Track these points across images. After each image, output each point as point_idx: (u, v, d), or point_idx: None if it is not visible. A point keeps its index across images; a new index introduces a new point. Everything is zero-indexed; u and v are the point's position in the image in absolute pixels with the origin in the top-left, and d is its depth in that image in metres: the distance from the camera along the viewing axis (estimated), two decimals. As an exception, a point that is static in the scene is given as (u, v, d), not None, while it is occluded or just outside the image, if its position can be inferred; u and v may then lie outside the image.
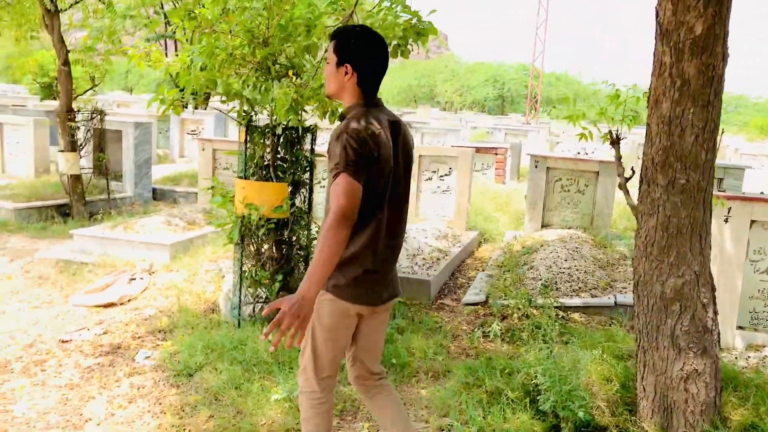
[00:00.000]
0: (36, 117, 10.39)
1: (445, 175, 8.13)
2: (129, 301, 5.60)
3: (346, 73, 2.59)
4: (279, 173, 4.83)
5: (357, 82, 2.61)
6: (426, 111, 38.39)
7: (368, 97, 2.64)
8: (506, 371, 4.10)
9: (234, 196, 5.11)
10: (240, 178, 4.93)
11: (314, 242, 5.02)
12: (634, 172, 4.20)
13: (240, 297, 4.93)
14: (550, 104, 58.89)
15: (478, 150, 11.77)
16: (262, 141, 4.81)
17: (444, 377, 4.26)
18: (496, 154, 11.64)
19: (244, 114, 4.77)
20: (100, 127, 8.45)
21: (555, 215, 7.80)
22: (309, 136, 4.92)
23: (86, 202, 8.47)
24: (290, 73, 4.77)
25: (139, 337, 4.92)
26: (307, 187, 5.00)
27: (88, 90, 8.48)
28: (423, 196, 8.20)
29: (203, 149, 8.53)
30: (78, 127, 8.19)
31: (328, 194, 2.47)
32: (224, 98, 4.80)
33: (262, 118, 5.11)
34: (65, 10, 7.91)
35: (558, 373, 3.68)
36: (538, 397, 3.69)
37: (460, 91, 69.39)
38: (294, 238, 4.99)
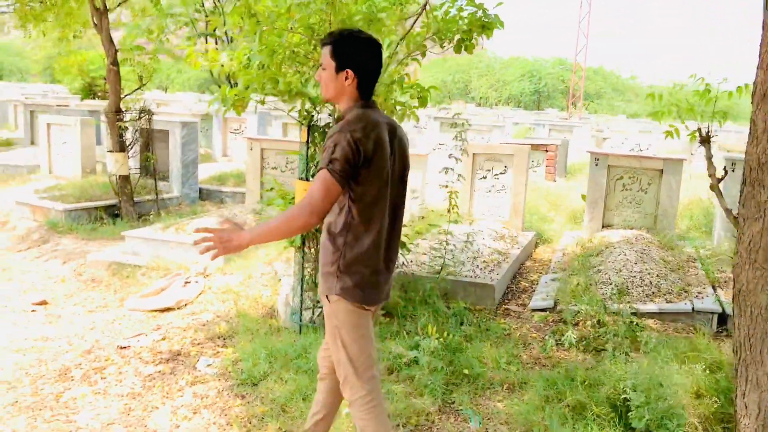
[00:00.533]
0: (82, 117, 10.36)
1: (500, 173, 7.88)
2: (185, 305, 5.47)
3: (347, 77, 2.62)
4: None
5: (357, 86, 2.65)
6: (461, 107, 38.05)
7: (366, 100, 2.69)
8: (587, 383, 3.85)
9: (294, 198, 4.96)
10: (301, 179, 4.77)
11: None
12: (726, 172, 3.93)
13: (301, 302, 4.76)
14: (588, 99, 57.93)
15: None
16: (323, 140, 4.61)
17: (520, 389, 4.03)
18: (547, 151, 11.33)
19: (306, 113, 4.59)
20: (147, 126, 8.36)
21: (616, 215, 7.50)
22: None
23: (135, 203, 8.40)
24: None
25: (198, 344, 4.78)
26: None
27: (136, 89, 8.40)
28: (477, 196, 7.96)
29: (251, 149, 8.40)
30: (127, 128, 8.12)
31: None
32: (284, 98, 4.63)
33: (322, 117, 4.94)
34: (113, 9, 7.83)
35: (651, 389, 3.43)
36: (628, 414, 3.45)
37: (496, 86, 68.66)
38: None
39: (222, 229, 2.51)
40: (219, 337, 4.87)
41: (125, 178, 8.29)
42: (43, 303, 5.84)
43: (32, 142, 15.58)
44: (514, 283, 6.13)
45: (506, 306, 5.52)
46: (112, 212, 8.38)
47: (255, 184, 8.50)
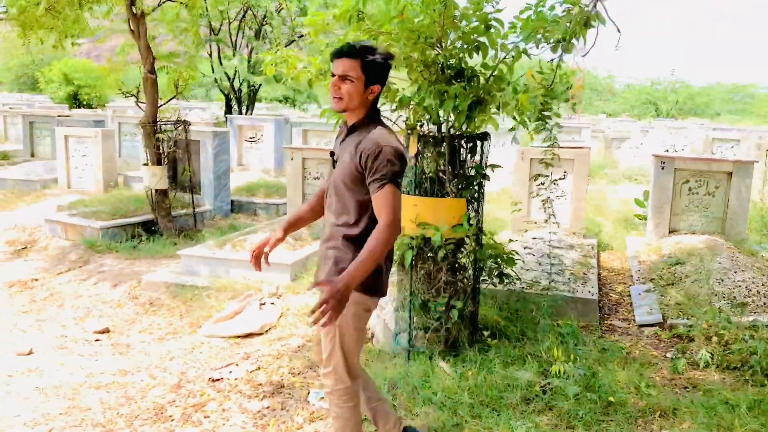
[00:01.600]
0: (103, 129, 9.90)
1: (560, 179, 7.59)
2: (269, 330, 5.09)
3: (372, 92, 2.72)
4: (452, 187, 4.31)
5: (374, 100, 2.78)
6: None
7: (378, 113, 2.83)
8: (753, 409, 3.56)
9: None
10: (405, 193, 4.43)
11: (481, 263, 4.51)
12: None
13: (410, 326, 4.42)
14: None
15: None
16: (433, 152, 4.29)
17: (673, 416, 3.72)
18: (579, 154, 11.06)
19: (417, 123, 4.25)
20: (184, 137, 7.95)
21: (682, 220, 7.26)
22: (482, 145, 4.39)
23: (172, 218, 7.97)
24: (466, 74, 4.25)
25: (298, 373, 4.41)
26: (477, 201, 4.47)
27: (170, 99, 7.98)
28: (535, 202, 7.66)
29: (292, 158, 8.01)
30: (164, 139, 7.70)
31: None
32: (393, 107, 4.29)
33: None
34: (150, 13, 7.41)
35: None
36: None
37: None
38: (464, 260, 4.46)
39: (326, 298, 2.42)
40: (320, 366, 4.50)
41: (163, 193, 7.86)
42: (106, 331, 5.43)
43: (32, 155, 15.05)
44: (602, 294, 5.84)
45: (609, 321, 5.22)
46: (150, 228, 7.95)
47: (296, 195, 8.11)
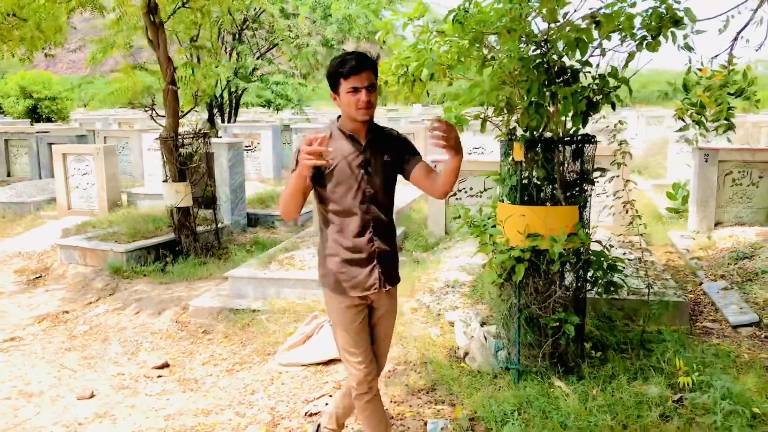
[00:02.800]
0: (105, 145, 9.37)
1: (599, 176, 7.40)
2: (351, 355, 4.76)
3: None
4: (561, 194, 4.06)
5: None
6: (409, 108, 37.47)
7: None
8: None
9: (488, 225, 4.38)
10: (505, 202, 4.17)
11: (591, 276, 4.28)
12: None
13: (518, 345, 4.15)
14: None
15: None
16: (541, 157, 4.03)
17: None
18: (590, 148, 10.96)
19: (525, 127, 3.98)
20: (203, 150, 7.53)
21: (726, 212, 7.17)
22: (590, 148, 4.15)
23: (196, 237, 7.55)
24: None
25: (402, 402, 4.11)
26: (583, 208, 4.23)
27: (189, 110, 7.55)
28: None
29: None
30: (189, 154, 7.27)
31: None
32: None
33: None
34: (166, 20, 6.98)
35: None
36: None
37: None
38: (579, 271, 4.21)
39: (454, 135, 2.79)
40: (421, 391, 4.20)
41: (186, 211, 7.44)
42: (165, 366, 5.03)
43: (9, 174, 14.32)
44: (676, 295, 5.67)
45: (700, 324, 5.04)
46: (173, 249, 7.51)
47: (440, 215, 7.70)
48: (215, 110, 16.54)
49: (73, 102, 31.91)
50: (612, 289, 4.36)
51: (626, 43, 4.11)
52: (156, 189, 9.81)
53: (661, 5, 4.14)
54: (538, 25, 3.99)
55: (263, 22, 16.11)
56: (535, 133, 4.06)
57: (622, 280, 4.44)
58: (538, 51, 3.91)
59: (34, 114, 29.69)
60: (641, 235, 4.98)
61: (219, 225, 8.10)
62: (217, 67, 7.25)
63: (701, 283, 5.82)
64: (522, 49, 3.87)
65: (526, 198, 4.06)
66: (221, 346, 5.24)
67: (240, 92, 16.52)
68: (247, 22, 15.92)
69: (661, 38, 3.84)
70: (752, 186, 7.07)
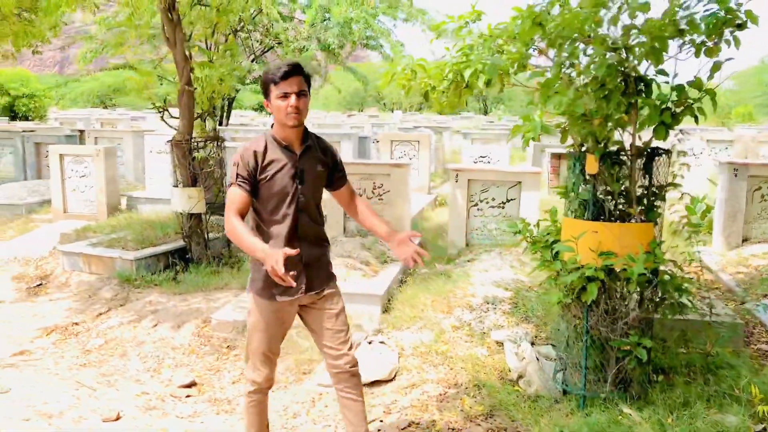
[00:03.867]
0: (106, 146, 8.95)
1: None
2: (396, 375, 4.49)
3: None
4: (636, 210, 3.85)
5: None
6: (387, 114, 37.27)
7: None
8: None
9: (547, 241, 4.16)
10: (573, 218, 3.95)
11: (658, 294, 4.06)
12: None
13: (585, 370, 3.92)
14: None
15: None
16: (617, 171, 3.81)
17: None
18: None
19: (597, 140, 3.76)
20: (218, 155, 7.20)
21: (754, 228, 7.03)
22: (659, 161, 3.94)
23: (207, 244, 7.22)
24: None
25: (461, 429, 3.84)
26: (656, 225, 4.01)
27: (204, 112, 7.22)
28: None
29: (456, 180, 7.26)
30: (205, 158, 6.94)
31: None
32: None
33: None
34: (186, 12, 6.64)
35: None
36: None
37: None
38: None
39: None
40: (478, 417, 3.95)
41: (198, 217, 7.10)
42: (192, 384, 4.71)
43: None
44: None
45: (755, 346, 4.86)
46: (183, 257, 7.17)
47: (460, 224, 7.38)
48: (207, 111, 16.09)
49: (51, 100, 31.20)
50: (679, 310, 4.16)
51: (685, 49, 3.91)
52: (158, 193, 9.45)
53: (721, 9, 3.95)
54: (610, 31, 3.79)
55: (258, 24, 15.78)
56: (606, 145, 3.85)
57: (690, 300, 4.23)
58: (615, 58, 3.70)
59: (10, 112, 28.92)
60: (696, 252, 4.77)
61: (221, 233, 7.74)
62: (235, 69, 6.88)
63: (743, 303, 5.66)
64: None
65: (599, 214, 3.84)
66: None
67: (233, 95, 16.13)
68: (242, 24, 15.57)
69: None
70: (781, 202, 6.96)
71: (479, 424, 3.87)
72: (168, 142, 7.03)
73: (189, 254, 7.18)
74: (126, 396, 4.55)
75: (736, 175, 6.91)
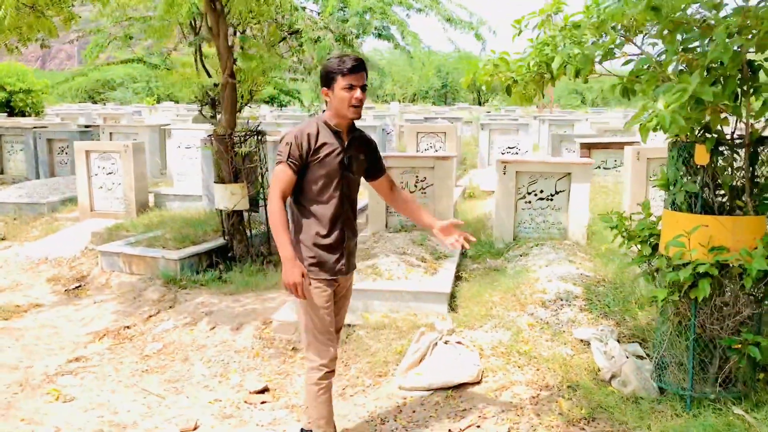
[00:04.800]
0: (134, 142, 8.70)
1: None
2: (482, 377, 4.31)
3: None
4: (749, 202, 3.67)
5: None
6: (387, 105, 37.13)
7: None
8: None
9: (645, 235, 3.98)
10: (675, 210, 3.77)
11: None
12: None
13: (692, 370, 3.75)
14: (494, 92, 58.38)
15: (608, 146, 10.83)
16: (730, 161, 3.64)
17: None
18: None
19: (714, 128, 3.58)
20: (257, 150, 6.98)
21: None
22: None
23: (249, 242, 7.01)
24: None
25: (565, 434, 3.67)
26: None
27: (245, 104, 6.98)
28: (652, 204, 7.12)
29: (504, 173, 7.05)
30: (248, 153, 6.72)
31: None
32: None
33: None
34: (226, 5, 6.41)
35: None
36: None
37: (400, 83, 68.04)
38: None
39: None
40: (581, 421, 3.77)
41: (239, 214, 6.89)
42: (265, 390, 4.52)
43: (2, 171, 13.50)
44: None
45: None
46: (224, 255, 6.96)
47: (508, 217, 7.19)
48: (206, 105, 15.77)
49: (49, 96, 30.78)
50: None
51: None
52: (187, 189, 9.24)
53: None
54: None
55: (268, 15, 15.47)
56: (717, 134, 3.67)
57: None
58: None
59: (7, 107, 28.45)
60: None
61: (256, 230, 7.52)
62: (280, 61, 6.66)
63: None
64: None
65: (710, 207, 3.67)
66: (321, 367, 4.73)
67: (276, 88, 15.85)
68: (253, 13, 15.28)
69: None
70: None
71: (583, 428, 3.70)
72: (209, 136, 6.81)
73: (231, 253, 6.98)
74: (198, 404, 4.35)
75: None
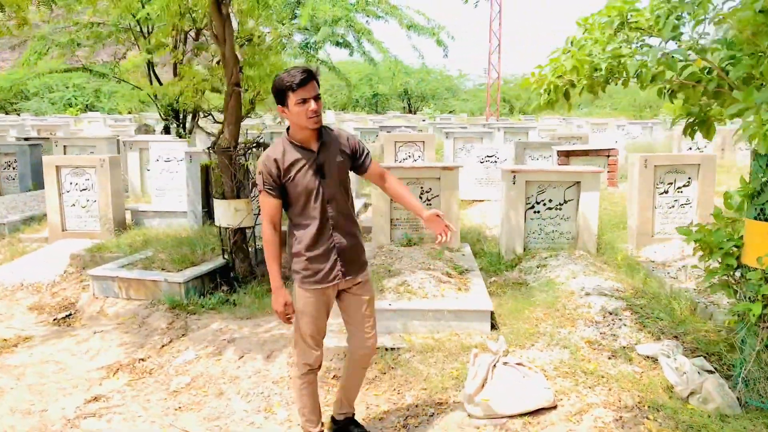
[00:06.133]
0: (111, 155, 8.08)
1: (684, 186, 7.12)
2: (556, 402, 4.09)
3: None
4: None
5: None
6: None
7: None
8: None
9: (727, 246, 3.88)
10: (762, 221, 3.68)
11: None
12: None
13: (786, 383, 3.65)
14: (425, 99, 58.88)
15: (586, 153, 10.89)
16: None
17: None
18: (609, 156, 10.77)
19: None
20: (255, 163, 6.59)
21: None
22: None
23: (251, 262, 6.60)
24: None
25: (667, 459, 3.50)
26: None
27: (246, 113, 6.55)
28: (659, 212, 7.14)
29: (514, 182, 6.84)
30: (245, 166, 6.32)
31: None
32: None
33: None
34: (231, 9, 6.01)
35: None
36: None
37: (330, 91, 67.81)
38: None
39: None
40: (677, 445, 3.61)
41: (242, 231, 6.48)
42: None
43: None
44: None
45: None
46: (226, 275, 6.53)
47: (517, 230, 6.99)
48: (170, 117, 15.16)
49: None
50: None
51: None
52: (168, 206, 8.71)
53: None
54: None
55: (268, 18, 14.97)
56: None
57: None
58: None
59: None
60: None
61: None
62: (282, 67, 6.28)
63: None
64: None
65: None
66: (370, 395, 4.43)
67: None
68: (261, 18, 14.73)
69: None
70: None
71: (683, 453, 3.54)
72: (208, 148, 6.38)
73: (233, 273, 6.55)
74: (249, 444, 3.97)
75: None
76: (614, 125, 23.56)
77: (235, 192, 6.33)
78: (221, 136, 6.26)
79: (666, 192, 7.13)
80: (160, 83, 14.40)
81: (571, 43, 4.55)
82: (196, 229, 7.73)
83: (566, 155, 10.68)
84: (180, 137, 13.81)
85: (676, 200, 7.13)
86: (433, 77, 62.13)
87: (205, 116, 6.47)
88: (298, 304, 3.33)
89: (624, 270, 6.28)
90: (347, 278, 3.35)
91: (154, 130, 21.19)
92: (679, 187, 7.13)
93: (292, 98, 3.05)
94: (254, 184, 6.50)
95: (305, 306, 3.32)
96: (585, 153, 10.72)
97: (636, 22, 4.04)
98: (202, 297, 6.11)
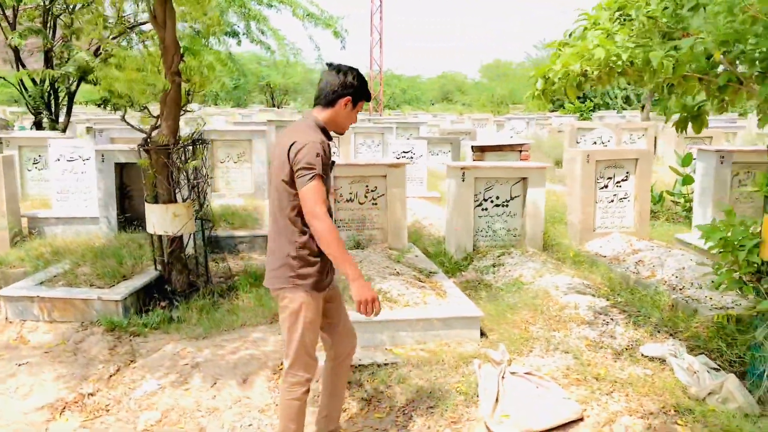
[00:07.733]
0: (2, 155, 6.97)
1: (623, 180, 7.24)
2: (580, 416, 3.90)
3: None
4: None
5: None
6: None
7: None
8: None
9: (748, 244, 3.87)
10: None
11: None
12: None
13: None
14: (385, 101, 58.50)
15: (500, 148, 10.95)
16: None
17: None
18: (521, 151, 10.88)
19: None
20: (209, 161, 5.92)
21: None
22: None
23: (189, 272, 5.95)
24: None
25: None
26: None
27: (183, 106, 5.82)
28: (600, 207, 7.22)
29: (463, 179, 6.45)
30: (197, 166, 5.65)
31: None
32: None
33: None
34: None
35: None
36: None
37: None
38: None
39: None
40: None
41: (180, 240, 5.80)
42: (328, 456, 3.72)
43: None
44: None
45: None
46: (160, 289, 5.83)
47: (467, 228, 6.62)
48: (42, 109, 13.69)
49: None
50: None
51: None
52: (72, 211, 7.71)
53: None
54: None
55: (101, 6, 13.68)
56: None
57: None
58: None
59: None
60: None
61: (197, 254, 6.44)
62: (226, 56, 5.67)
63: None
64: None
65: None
66: (372, 418, 4.02)
67: (74, 89, 13.86)
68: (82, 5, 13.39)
69: None
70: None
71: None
72: (139, 146, 5.63)
73: (169, 286, 5.85)
74: (257, 488, 3.45)
75: (722, 162, 7.19)
76: (492, 121, 24.29)
77: (173, 195, 5.64)
78: (157, 131, 5.55)
79: (606, 187, 7.23)
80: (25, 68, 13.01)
81: (570, 35, 4.39)
82: (111, 238, 6.88)
83: (481, 150, 10.67)
84: (54, 131, 12.54)
85: (615, 194, 7.25)
86: (294, 71, 61.14)
87: (140, 110, 5.64)
88: (306, 312, 3.08)
89: (585, 267, 6.27)
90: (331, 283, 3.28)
91: (13, 126, 19.15)
92: (618, 182, 7.25)
93: (358, 105, 3.08)
94: (196, 185, 5.83)
95: (315, 314, 3.13)
96: (499, 148, 10.78)
97: (649, 11, 3.93)
98: (140, 315, 5.39)
